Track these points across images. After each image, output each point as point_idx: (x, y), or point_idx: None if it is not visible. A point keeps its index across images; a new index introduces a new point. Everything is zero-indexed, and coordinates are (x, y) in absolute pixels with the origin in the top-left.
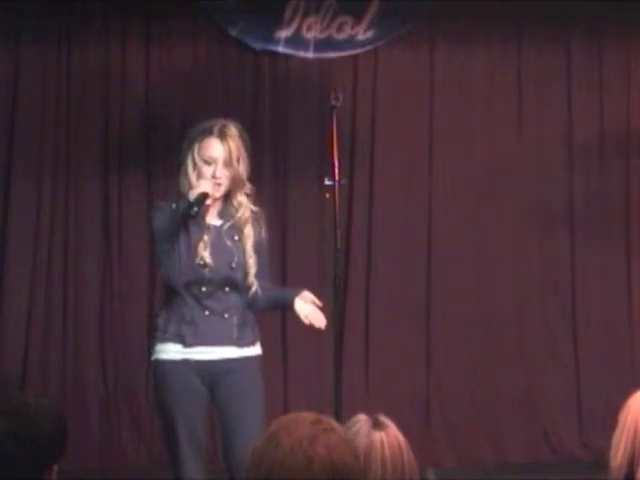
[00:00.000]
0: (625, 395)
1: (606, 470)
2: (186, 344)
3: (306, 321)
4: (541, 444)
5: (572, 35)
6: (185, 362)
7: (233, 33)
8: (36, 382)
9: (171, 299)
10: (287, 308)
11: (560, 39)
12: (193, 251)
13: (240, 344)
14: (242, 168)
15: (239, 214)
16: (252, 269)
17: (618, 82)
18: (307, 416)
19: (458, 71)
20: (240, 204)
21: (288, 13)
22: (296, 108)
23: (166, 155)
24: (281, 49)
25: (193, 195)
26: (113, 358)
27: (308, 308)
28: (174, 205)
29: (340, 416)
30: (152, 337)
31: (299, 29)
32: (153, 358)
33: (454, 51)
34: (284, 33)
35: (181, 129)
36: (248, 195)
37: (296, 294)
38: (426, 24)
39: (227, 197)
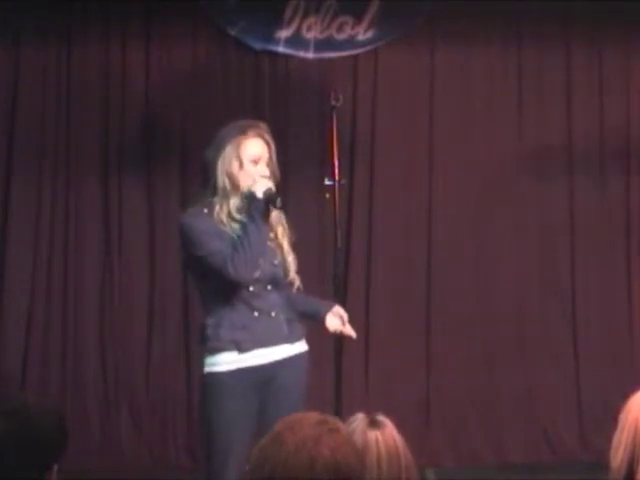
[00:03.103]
0: (625, 395)
1: (607, 470)
2: (242, 350)
3: (335, 332)
4: (541, 444)
5: (572, 35)
6: (239, 372)
7: (233, 33)
8: (36, 382)
9: (216, 306)
10: (318, 321)
11: (560, 39)
12: (257, 248)
13: (291, 340)
14: (275, 169)
15: (274, 213)
16: (292, 266)
17: (618, 82)
18: (312, 416)
19: (458, 71)
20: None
21: (288, 13)
22: (296, 108)
23: (166, 155)
24: (281, 49)
25: (269, 190)
26: (113, 358)
27: (337, 323)
28: (205, 210)
29: (340, 416)
30: (202, 349)
31: (299, 29)
32: (206, 371)
33: (454, 51)
34: (284, 33)
35: (181, 129)
36: None
37: (327, 310)
38: (426, 24)
39: None
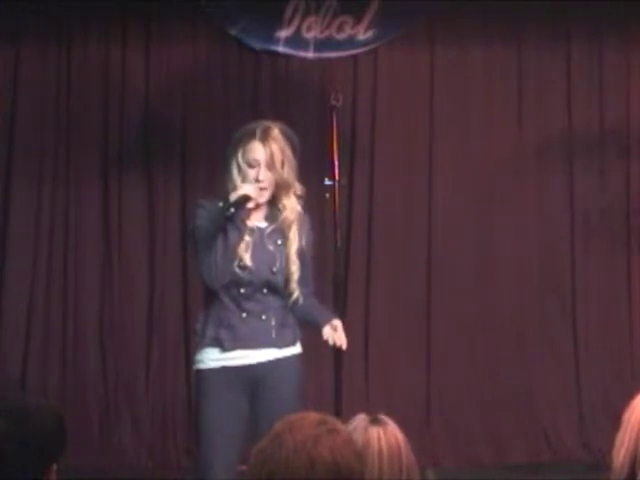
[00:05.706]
0: (625, 395)
1: (608, 470)
2: (224, 348)
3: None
4: (541, 444)
5: (572, 35)
6: (223, 370)
7: (233, 33)
8: (36, 382)
9: (209, 302)
10: (318, 329)
11: (560, 39)
12: (231, 253)
13: (279, 345)
14: (287, 171)
15: (283, 216)
16: (294, 275)
17: (618, 82)
18: (312, 417)
19: (458, 71)
20: (285, 207)
21: (288, 13)
22: (296, 108)
23: (166, 155)
24: (281, 49)
25: (234, 197)
26: (113, 358)
27: (330, 335)
28: (221, 204)
29: (340, 416)
30: (194, 344)
31: (299, 29)
32: (194, 368)
33: (454, 51)
34: (284, 33)
35: (181, 129)
36: (298, 196)
37: (327, 321)
38: (426, 24)
39: (274, 200)
